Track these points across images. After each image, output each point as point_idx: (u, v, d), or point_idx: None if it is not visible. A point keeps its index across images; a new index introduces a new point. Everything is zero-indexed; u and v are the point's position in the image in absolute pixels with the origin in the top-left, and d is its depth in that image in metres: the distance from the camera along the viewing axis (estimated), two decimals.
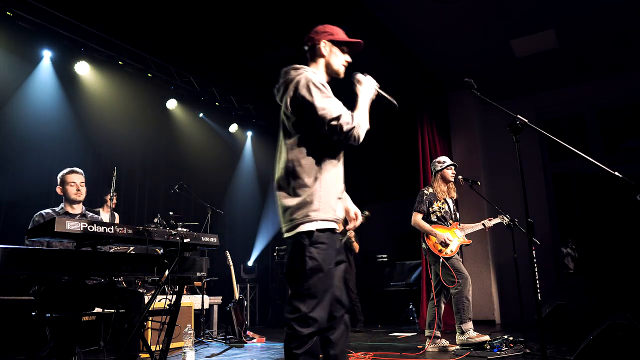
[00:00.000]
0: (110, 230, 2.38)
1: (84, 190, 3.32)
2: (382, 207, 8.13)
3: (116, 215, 5.57)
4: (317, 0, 4.96)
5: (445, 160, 4.49)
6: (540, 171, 7.00)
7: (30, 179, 5.33)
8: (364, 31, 5.36)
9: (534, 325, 5.01)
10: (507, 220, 4.33)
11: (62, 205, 3.30)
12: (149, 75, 6.53)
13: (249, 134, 8.65)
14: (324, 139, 1.96)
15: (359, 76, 2.17)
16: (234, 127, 8.09)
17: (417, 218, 4.35)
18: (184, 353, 3.43)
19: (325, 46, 2.12)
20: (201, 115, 7.68)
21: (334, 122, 1.89)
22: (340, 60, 2.16)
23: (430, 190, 4.46)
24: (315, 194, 1.91)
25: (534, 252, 2.35)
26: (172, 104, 7.02)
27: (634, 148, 6.54)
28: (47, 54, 5.55)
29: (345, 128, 1.91)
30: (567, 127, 7.16)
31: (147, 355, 3.67)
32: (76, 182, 3.27)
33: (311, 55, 2.16)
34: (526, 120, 2.34)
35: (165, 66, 6.52)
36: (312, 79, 1.95)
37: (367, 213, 6.01)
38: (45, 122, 5.51)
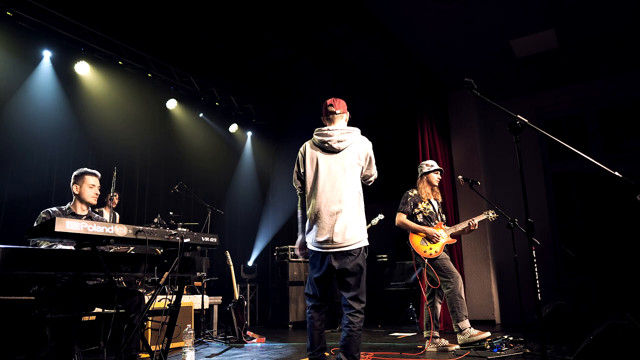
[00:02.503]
0: (110, 230, 2.38)
1: (98, 194, 3.37)
2: (382, 207, 8.11)
3: (117, 215, 5.57)
4: (317, 1, 4.96)
5: (433, 164, 4.54)
6: (540, 171, 7.00)
7: (30, 179, 5.34)
8: (364, 31, 5.36)
9: (534, 325, 5.01)
10: (491, 216, 4.36)
11: (69, 204, 3.29)
12: (149, 75, 6.54)
13: (249, 134, 8.65)
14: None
15: None
16: (234, 127, 8.09)
17: (402, 218, 4.40)
18: (184, 353, 3.43)
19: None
20: (201, 115, 7.68)
21: (375, 175, 3.11)
22: None
23: (415, 192, 4.50)
24: (364, 219, 2.94)
25: (534, 252, 2.35)
26: (172, 104, 7.02)
27: (634, 148, 6.54)
28: (47, 54, 5.55)
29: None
30: (567, 127, 7.16)
31: (147, 355, 3.68)
32: (95, 185, 3.31)
33: (343, 119, 3.11)
34: (526, 120, 2.34)
35: (165, 66, 6.52)
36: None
37: (380, 217, 6.00)
38: (45, 122, 5.52)
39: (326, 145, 2.90)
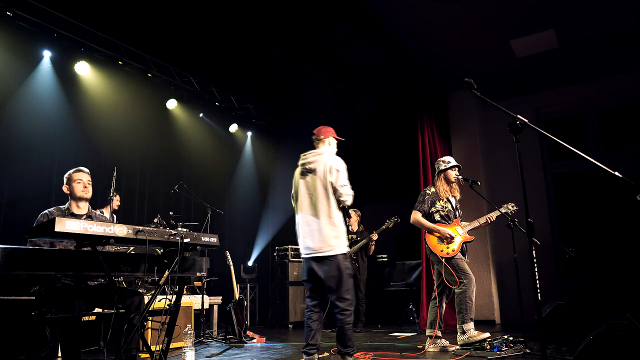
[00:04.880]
0: (110, 230, 2.38)
1: (90, 188, 3.30)
2: (382, 207, 8.13)
3: (115, 217, 5.57)
4: (317, 1, 4.96)
5: (450, 160, 4.47)
6: (540, 171, 7.00)
7: (30, 179, 5.33)
8: (364, 31, 5.36)
9: (534, 325, 5.01)
10: (510, 209, 4.28)
11: (67, 204, 3.27)
12: (149, 75, 6.54)
13: (249, 134, 8.65)
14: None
15: None
16: (234, 127, 8.10)
17: (417, 216, 4.35)
18: (184, 353, 3.43)
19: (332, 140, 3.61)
20: (201, 115, 7.68)
21: (345, 192, 3.33)
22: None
23: (433, 189, 4.45)
24: (340, 228, 3.31)
25: (534, 252, 2.35)
26: (172, 104, 7.02)
27: (634, 148, 6.54)
28: (47, 54, 5.56)
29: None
30: (567, 127, 7.15)
31: (147, 355, 3.68)
32: (83, 179, 3.26)
33: (325, 144, 3.55)
34: (526, 120, 2.34)
35: (165, 66, 6.52)
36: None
37: (395, 219, 5.98)
38: (46, 122, 5.52)
39: (304, 167, 3.41)
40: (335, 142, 3.61)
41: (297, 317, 7.04)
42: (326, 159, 3.35)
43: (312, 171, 3.35)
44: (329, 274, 3.16)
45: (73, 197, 3.25)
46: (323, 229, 3.19)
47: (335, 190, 3.27)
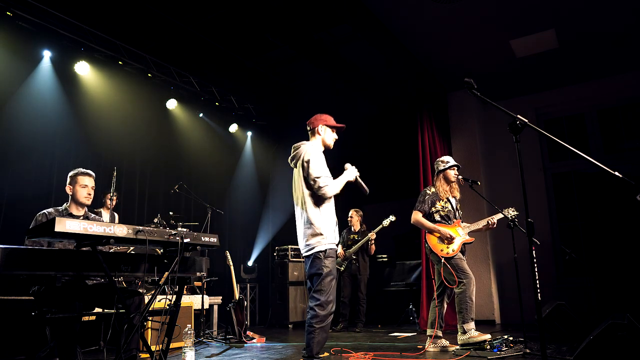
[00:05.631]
0: (110, 230, 2.38)
1: (93, 194, 3.32)
2: (381, 207, 8.12)
3: (116, 215, 5.57)
4: (317, 1, 4.96)
5: (449, 160, 4.47)
6: (540, 171, 7.00)
7: (30, 179, 5.34)
8: (364, 31, 5.36)
9: (534, 325, 5.01)
10: (511, 213, 4.28)
11: (65, 205, 3.28)
12: (149, 75, 6.53)
13: (249, 134, 8.65)
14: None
15: (347, 165, 3.34)
16: (234, 127, 8.10)
17: (417, 216, 4.35)
18: (184, 353, 3.43)
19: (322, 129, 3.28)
20: (201, 115, 7.68)
21: (319, 184, 3.03)
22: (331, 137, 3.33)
23: (433, 190, 4.45)
24: (319, 224, 3.08)
25: (534, 252, 2.35)
26: (172, 104, 7.02)
27: (634, 148, 6.54)
28: (47, 54, 5.56)
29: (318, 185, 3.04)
30: (567, 127, 7.16)
31: (147, 355, 3.68)
32: (88, 185, 3.27)
33: (315, 135, 3.29)
34: (526, 120, 2.34)
35: (165, 66, 6.52)
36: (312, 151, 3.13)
37: (392, 218, 5.98)
38: (45, 122, 5.52)
39: (291, 164, 3.28)
40: (329, 129, 3.28)
41: (297, 317, 7.03)
42: (301, 152, 3.13)
43: (296, 167, 3.22)
44: (309, 272, 3.05)
45: (74, 200, 3.26)
46: (302, 228, 3.08)
47: (311, 185, 3.03)
